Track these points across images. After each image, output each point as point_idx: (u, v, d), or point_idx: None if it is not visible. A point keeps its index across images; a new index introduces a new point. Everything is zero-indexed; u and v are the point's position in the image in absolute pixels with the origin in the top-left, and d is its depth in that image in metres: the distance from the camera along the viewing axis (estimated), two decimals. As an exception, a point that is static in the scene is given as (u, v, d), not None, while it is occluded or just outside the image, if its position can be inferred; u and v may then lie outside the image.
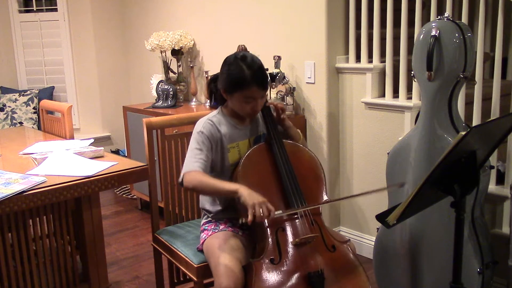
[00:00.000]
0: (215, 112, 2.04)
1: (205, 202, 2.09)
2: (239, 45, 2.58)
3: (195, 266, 1.96)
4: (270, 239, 1.83)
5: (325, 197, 1.99)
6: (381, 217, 1.60)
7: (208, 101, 3.63)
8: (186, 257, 2.03)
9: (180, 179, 1.92)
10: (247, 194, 1.75)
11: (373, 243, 2.44)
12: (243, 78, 1.88)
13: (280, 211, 1.83)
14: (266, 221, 1.83)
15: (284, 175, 1.91)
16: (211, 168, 1.98)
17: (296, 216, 1.89)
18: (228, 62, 1.95)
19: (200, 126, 1.98)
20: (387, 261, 2.31)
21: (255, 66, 1.90)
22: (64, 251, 2.20)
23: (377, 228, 2.37)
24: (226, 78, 1.93)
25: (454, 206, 1.59)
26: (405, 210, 1.54)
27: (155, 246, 2.29)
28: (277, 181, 1.93)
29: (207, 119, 1.99)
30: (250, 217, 1.70)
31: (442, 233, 2.08)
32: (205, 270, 1.96)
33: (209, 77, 3.53)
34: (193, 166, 1.90)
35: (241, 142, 2.02)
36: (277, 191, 1.91)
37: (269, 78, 2.25)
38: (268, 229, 1.84)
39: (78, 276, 2.26)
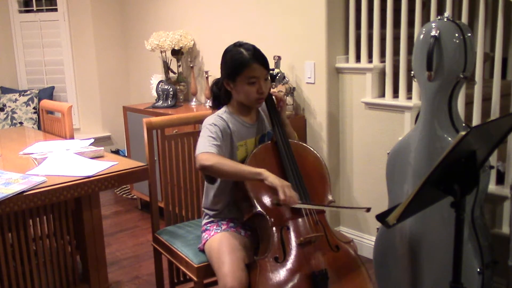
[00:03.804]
0: (221, 110, 2.04)
1: (208, 201, 2.08)
2: None
3: (195, 266, 1.96)
4: (275, 238, 1.83)
5: (329, 197, 1.99)
6: (381, 217, 1.60)
7: (208, 101, 3.63)
8: (186, 257, 2.03)
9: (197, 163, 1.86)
10: (273, 176, 1.77)
11: (373, 243, 2.44)
12: (242, 58, 1.92)
13: (301, 202, 1.84)
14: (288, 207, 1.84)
15: (290, 174, 1.92)
16: None
17: (301, 215, 1.89)
18: (227, 51, 2.00)
19: (211, 120, 1.97)
20: (387, 261, 2.31)
21: (252, 47, 1.97)
22: (64, 251, 2.20)
23: (377, 228, 2.37)
24: (227, 65, 1.97)
25: (454, 206, 1.59)
26: (405, 210, 1.54)
27: (155, 246, 2.29)
28: None
29: (217, 115, 2.00)
30: (282, 196, 1.72)
31: (442, 233, 2.08)
32: (205, 270, 1.96)
33: (209, 77, 3.55)
34: (208, 149, 1.85)
35: (248, 140, 2.02)
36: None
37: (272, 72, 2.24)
38: (273, 227, 1.84)
39: (78, 276, 2.26)
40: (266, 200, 1.87)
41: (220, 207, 2.04)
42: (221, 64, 2.01)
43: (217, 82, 2.08)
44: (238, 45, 1.98)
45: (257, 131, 2.06)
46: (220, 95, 2.06)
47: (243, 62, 1.92)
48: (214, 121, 1.96)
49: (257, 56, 1.94)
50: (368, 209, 1.90)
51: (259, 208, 1.84)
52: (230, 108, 2.03)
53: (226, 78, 1.97)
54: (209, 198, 2.07)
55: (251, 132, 2.04)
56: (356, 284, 1.87)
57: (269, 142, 2.01)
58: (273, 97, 2.08)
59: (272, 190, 1.78)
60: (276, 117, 2.04)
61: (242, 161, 1.97)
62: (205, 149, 1.85)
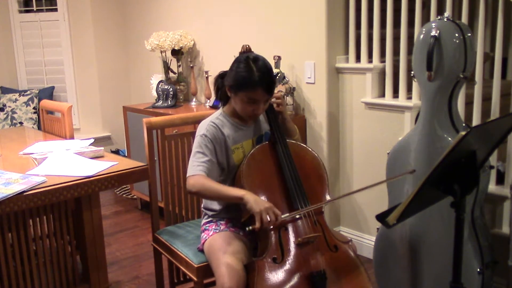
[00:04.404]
0: (217, 113, 2.04)
1: (209, 201, 2.08)
2: (243, 45, 2.57)
3: (195, 266, 1.96)
4: (273, 238, 1.83)
5: (327, 197, 1.99)
6: (381, 217, 1.60)
7: (208, 101, 3.63)
8: (186, 257, 2.03)
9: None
10: (253, 200, 1.77)
11: (373, 243, 2.44)
12: (250, 78, 1.87)
13: (287, 214, 1.83)
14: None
15: (288, 175, 1.92)
16: (221, 171, 1.99)
17: (299, 216, 1.89)
18: (239, 61, 1.94)
19: (203, 129, 1.98)
20: (387, 261, 2.31)
21: (265, 69, 1.90)
22: (64, 251, 2.20)
23: (377, 228, 2.37)
24: (234, 76, 1.93)
25: (454, 206, 1.59)
26: (405, 210, 1.54)
27: (155, 246, 2.29)
28: (281, 181, 1.93)
29: (210, 122, 1.99)
30: (258, 224, 1.73)
31: (442, 233, 2.08)
32: (205, 270, 1.96)
33: (209, 77, 3.55)
34: (195, 170, 1.90)
35: (245, 142, 2.02)
36: (280, 190, 1.92)
37: (276, 84, 2.24)
38: (271, 228, 1.84)
39: (78, 276, 2.26)
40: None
41: (220, 208, 2.04)
42: (230, 69, 1.97)
43: (222, 76, 2.05)
44: (252, 59, 1.91)
45: (254, 132, 2.05)
46: (222, 90, 2.06)
47: (249, 82, 1.88)
48: (205, 131, 1.96)
49: (266, 80, 1.88)
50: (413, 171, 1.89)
51: None
52: (227, 110, 2.03)
53: (229, 86, 1.96)
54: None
55: (248, 133, 2.03)
56: (355, 284, 1.86)
57: (267, 142, 2.01)
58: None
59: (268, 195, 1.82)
60: (274, 117, 2.04)
61: (240, 163, 1.97)
62: (193, 172, 1.90)
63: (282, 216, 1.80)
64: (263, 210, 1.74)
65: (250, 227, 1.77)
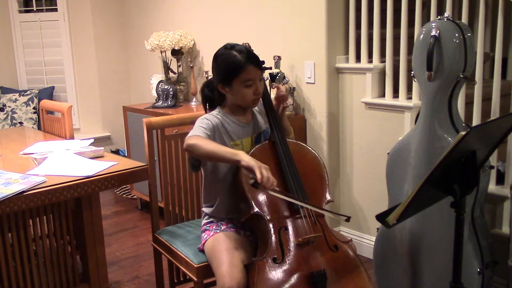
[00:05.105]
0: (215, 111, 2.04)
1: (204, 196, 2.08)
2: (243, 43, 2.57)
3: (195, 266, 1.96)
4: (273, 238, 1.83)
5: (328, 197, 1.99)
6: (381, 217, 1.60)
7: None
8: (186, 257, 2.03)
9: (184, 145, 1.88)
10: (250, 157, 1.74)
11: (373, 243, 2.44)
12: (237, 62, 1.89)
13: (283, 196, 1.81)
14: (274, 193, 1.78)
15: (288, 174, 1.91)
16: (214, 165, 1.98)
17: (299, 215, 1.89)
18: (218, 55, 1.97)
19: (205, 116, 1.98)
20: (387, 261, 2.31)
21: (245, 49, 1.94)
22: (64, 251, 2.20)
23: (377, 228, 2.37)
24: (221, 70, 1.94)
25: (454, 206, 1.59)
26: (405, 210, 1.54)
27: (155, 246, 2.29)
28: (281, 181, 1.93)
29: (211, 114, 2.00)
30: (259, 175, 1.67)
31: (442, 233, 2.08)
32: (205, 270, 1.96)
33: (209, 78, 3.55)
34: (197, 133, 1.88)
35: (244, 139, 2.02)
36: (280, 189, 1.91)
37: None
38: (271, 228, 1.84)
39: (78, 276, 2.26)
40: (264, 201, 1.88)
41: (214, 200, 2.03)
42: (213, 68, 1.99)
43: (208, 85, 2.06)
44: (229, 47, 1.95)
45: (253, 130, 2.05)
46: (213, 97, 2.05)
47: (237, 65, 1.89)
48: (208, 117, 1.97)
49: (251, 57, 1.92)
50: (348, 218, 1.91)
51: (256, 209, 1.84)
52: (224, 109, 2.03)
53: (221, 82, 1.95)
54: (204, 191, 2.07)
55: (247, 131, 2.03)
56: (355, 284, 1.86)
57: (267, 142, 2.01)
58: (272, 94, 2.07)
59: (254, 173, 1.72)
60: (274, 116, 2.04)
61: None
62: (195, 133, 1.88)
63: (278, 194, 1.77)
64: (263, 166, 1.70)
65: (252, 180, 1.70)
